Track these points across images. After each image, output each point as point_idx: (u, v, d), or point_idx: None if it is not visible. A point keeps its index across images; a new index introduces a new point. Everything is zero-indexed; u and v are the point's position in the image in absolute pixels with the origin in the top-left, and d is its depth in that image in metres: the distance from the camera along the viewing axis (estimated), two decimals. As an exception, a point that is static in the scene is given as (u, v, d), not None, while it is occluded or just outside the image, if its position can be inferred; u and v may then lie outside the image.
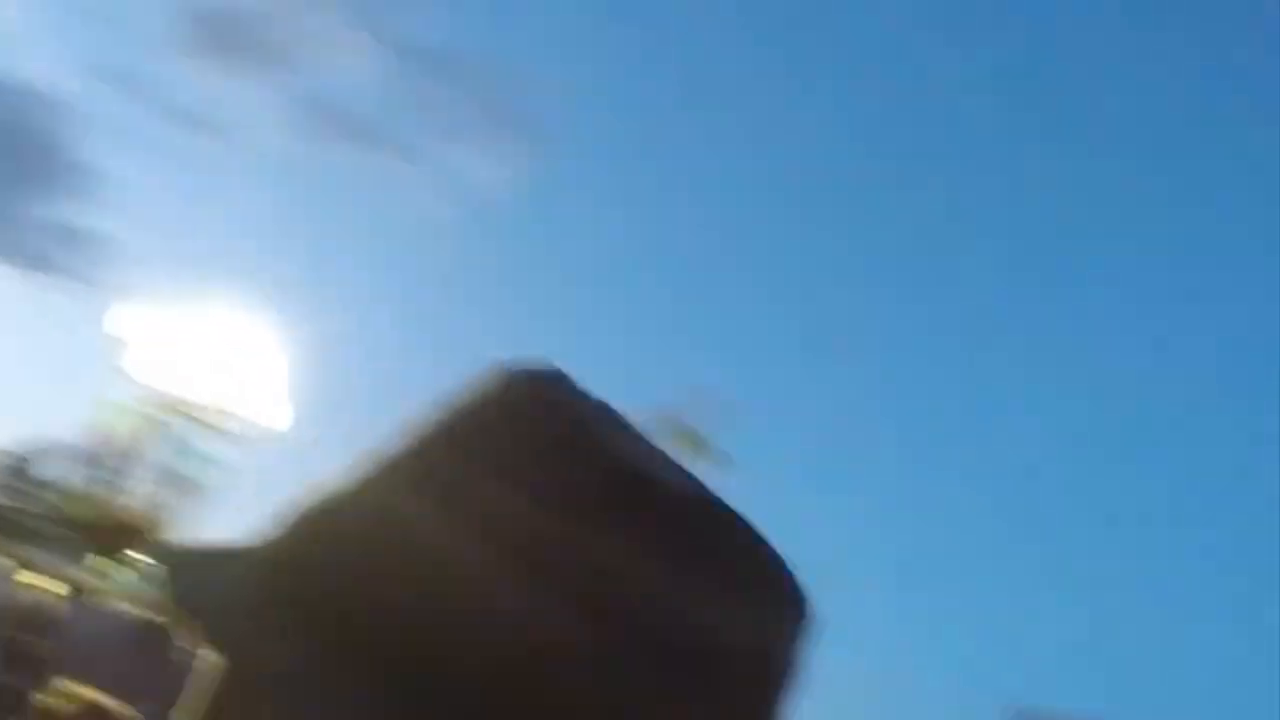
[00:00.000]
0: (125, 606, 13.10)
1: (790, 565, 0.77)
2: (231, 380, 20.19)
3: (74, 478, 23.82)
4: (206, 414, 20.94)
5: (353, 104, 50.03)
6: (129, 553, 21.47)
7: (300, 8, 48.40)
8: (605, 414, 0.79)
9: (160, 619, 10.28)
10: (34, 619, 10.31)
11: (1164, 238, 46.56)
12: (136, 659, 9.81)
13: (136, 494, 21.73)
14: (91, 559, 20.10)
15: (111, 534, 20.53)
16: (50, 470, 23.67)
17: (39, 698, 4.79)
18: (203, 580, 0.81)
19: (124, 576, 22.88)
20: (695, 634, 0.71)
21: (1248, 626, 38.24)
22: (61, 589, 15.31)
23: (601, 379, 0.80)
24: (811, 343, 44.58)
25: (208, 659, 0.76)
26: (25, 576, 16.57)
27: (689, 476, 0.77)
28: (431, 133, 62.90)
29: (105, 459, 23.62)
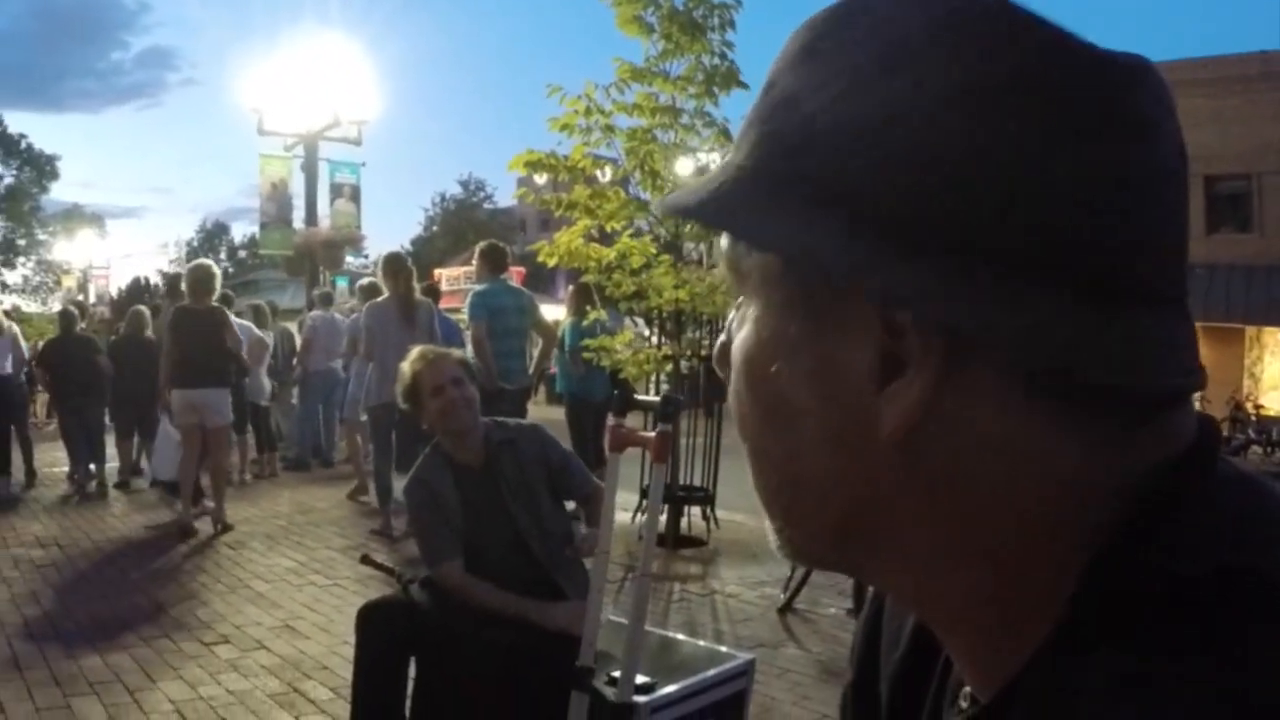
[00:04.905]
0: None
1: None
2: (335, 92, 20.28)
3: (268, 225, 24.32)
4: (330, 130, 21.17)
5: None
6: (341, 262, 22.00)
7: None
8: None
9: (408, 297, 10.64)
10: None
11: None
12: (415, 330, 10.07)
13: (319, 217, 22.06)
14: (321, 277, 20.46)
15: (321, 253, 20.81)
16: (245, 230, 24.41)
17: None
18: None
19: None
20: None
21: None
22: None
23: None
24: None
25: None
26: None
27: None
28: None
29: (280, 201, 24.03)
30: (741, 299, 0.79)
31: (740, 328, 0.78)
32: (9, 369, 13.46)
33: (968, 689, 0.78)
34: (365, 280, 14.47)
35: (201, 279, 11.33)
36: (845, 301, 0.68)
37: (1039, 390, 0.65)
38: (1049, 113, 0.64)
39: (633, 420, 5.76)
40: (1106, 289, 0.64)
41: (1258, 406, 29.10)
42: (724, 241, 0.78)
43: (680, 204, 0.76)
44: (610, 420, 4.30)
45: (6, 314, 15.92)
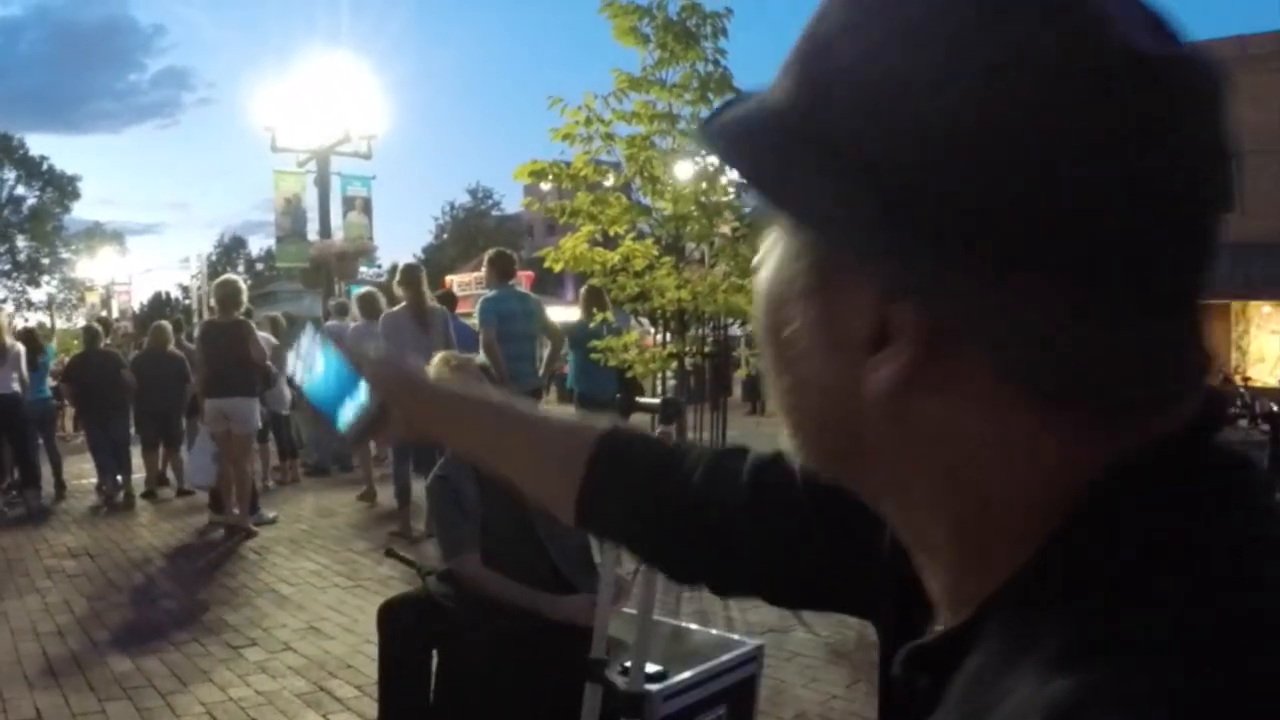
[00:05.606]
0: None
1: None
2: (345, 108, 20.39)
3: (283, 239, 24.38)
4: (341, 146, 21.25)
5: None
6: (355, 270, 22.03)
7: None
8: None
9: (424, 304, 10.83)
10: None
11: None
12: (430, 336, 10.19)
13: (333, 229, 22.13)
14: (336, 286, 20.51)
15: (336, 264, 20.86)
16: (261, 244, 24.42)
17: None
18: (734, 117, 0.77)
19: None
20: None
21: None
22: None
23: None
24: None
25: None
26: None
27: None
28: None
29: (295, 215, 24.10)
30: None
31: (768, 258, 0.79)
32: (15, 388, 13.51)
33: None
34: (363, 290, 14.50)
35: (230, 294, 11.65)
36: (850, 268, 0.69)
37: (1019, 383, 0.65)
38: (1072, 107, 0.61)
39: (640, 421, 5.78)
40: (1100, 296, 0.63)
41: (1246, 379, 29.06)
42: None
43: (714, 139, 0.78)
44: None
45: (30, 332, 15.99)
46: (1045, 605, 0.64)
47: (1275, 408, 12.64)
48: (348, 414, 1.42)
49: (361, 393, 1.40)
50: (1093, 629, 0.60)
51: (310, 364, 1.49)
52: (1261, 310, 31.87)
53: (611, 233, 10.16)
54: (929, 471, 0.71)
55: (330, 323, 15.66)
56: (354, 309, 14.40)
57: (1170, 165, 0.63)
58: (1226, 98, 0.66)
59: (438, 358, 5.02)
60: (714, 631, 4.90)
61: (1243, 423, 22.36)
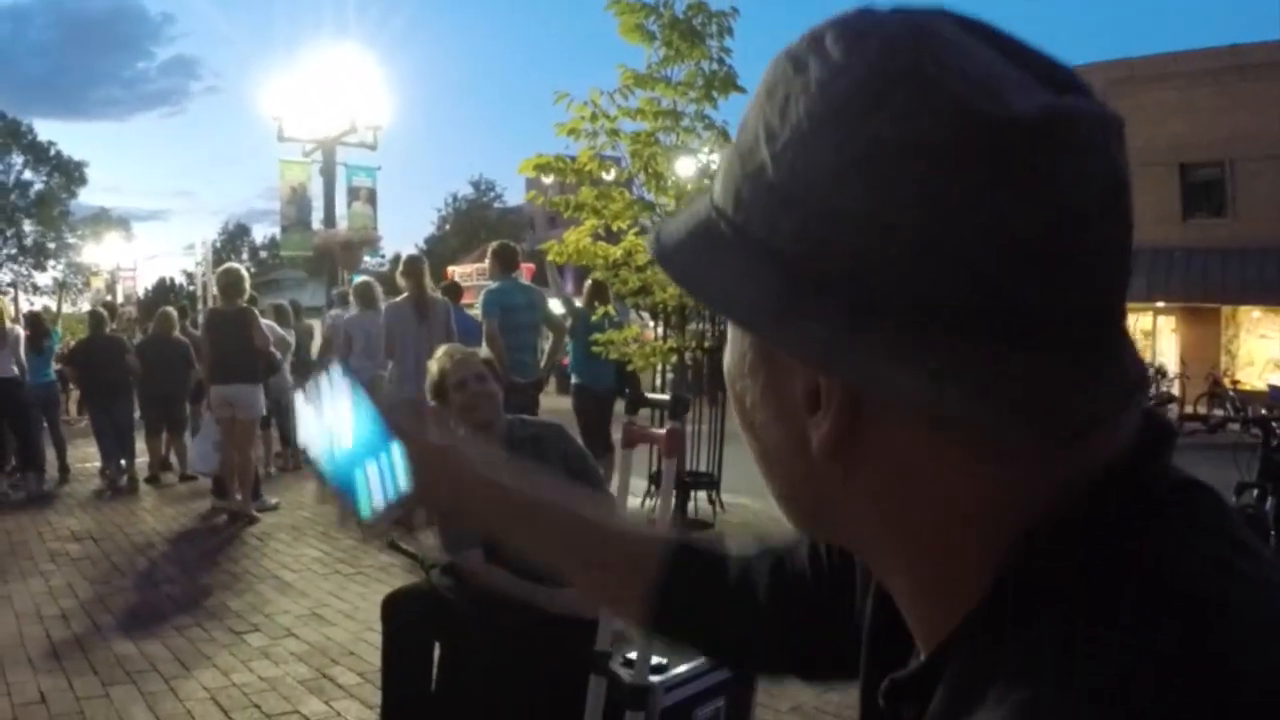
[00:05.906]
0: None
1: None
2: (351, 100, 20.37)
3: (288, 228, 24.38)
4: (347, 136, 21.22)
5: None
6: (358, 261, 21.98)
7: None
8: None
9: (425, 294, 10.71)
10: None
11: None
12: (430, 328, 10.12)
13: (337, 219, 22.08)
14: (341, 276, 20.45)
15: (340, 253, 20.83)
16: (266, 232, 24.35)
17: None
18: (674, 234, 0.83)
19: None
20: None
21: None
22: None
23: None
24: None
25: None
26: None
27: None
28: None
29: (300, 204, 24.08)
30: None
31: (727, 336, 0.86)
32: (14, 371, 13.48)
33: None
34: (360, 279, 14.45)
35: (233, 282, 11.68)
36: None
37: (942, 431, 0.70)
38: (941, 177, 0.65)
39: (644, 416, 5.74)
40: (1003, 339, 0.66)
41: (1235, 382, 29.42)
42: None
43: (656, 251, 0.84)
44: (624, 418, 4.34)
45: (36, 315, 15.97)
46: (1002, 636, 0.68)
47: (1265, 411, 12.80)
48: (374, 488, 1.23)
49: (398, 470, 1.22)
50: (1042, 654, 0.65)
51: (329, 419, 1.27)
52: (1251, 315, 32.07)
53: (614, 227, 10.17)
54: (885, 520, 0.77)
55: (334, 311, 15.63)
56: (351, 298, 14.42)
57: (1050, 213, 0.66)
58: (1114, 138, 0.68)
59: (442, 350, 5.00)
60: (714, 625, 4.89)
61: (1234, 426, 22.39)
